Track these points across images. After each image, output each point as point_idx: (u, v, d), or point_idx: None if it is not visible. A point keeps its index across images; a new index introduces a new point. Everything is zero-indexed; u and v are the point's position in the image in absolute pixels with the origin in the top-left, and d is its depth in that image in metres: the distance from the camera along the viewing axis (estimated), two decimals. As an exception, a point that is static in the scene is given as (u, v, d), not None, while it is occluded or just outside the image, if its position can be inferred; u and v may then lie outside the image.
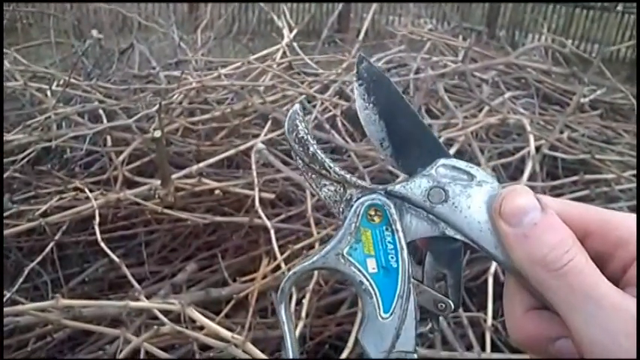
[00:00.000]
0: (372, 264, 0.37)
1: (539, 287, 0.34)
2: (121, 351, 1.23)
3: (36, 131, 1.89)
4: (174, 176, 1.66)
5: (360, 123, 0.39)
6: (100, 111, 2.02)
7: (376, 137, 0.39)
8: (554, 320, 0.35)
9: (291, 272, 0.38)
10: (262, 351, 1.20)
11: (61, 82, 2.17)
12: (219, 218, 1.68)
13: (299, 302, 1.33)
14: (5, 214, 1.58)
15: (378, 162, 1.76)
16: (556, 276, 0.33)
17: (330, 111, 2.03)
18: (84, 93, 2.12)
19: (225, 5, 4.24)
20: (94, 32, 2.56)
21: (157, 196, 1.61)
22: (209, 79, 2.19)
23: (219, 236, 1.78)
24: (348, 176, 0.38)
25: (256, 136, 1.86)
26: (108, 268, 1.72)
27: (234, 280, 1.54)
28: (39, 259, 1.48)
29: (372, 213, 0.37)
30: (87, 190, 1.60)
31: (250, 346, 1.17)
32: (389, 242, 0.37)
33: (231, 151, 1.81)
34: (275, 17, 2.81)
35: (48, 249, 1.50)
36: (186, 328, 1.24)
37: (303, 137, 0.38)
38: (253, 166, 1.65)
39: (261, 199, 1.57)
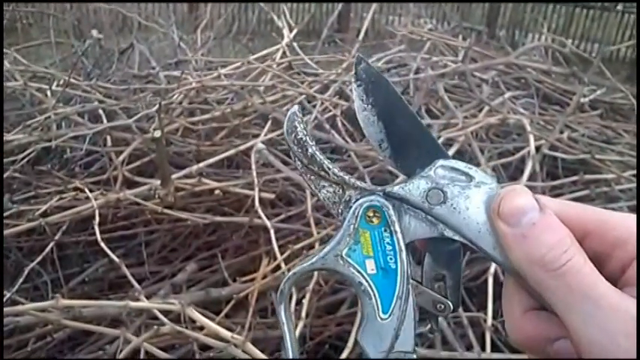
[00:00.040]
0: (370, 265, 0.37)
1: (538, 287, 0.34)
2: (121, 351, 1.23)
3: (36, 131, 1.89)
4: (174, 176, 1.66)
5: (359, 122, 0.39)
6: (100, 111, 2.02)
7: (375, 138, 0.39)
8: (552, 321, 0.35)
9: (290, 273, 0.38)
10: (262, 351, 1.20)
11: (61, 82, 2.17)
12: (219, 218, 1.68)
13: (299, 302, 1.33)
14: (5, 214, 1.58)
15: (378, 162, 1.76)
16: (554, 276, 0.33)
17: (330, 111, 2.03)
18: (84, 93, 2.13)
19: (225, 5, 4.23)
20: (94, 32, 2.56)
21: (156, 196, 1.61)
22: (209, 79, 2.20)
23: (219, 236, 1.78)
24: (346, 177, 0.38)
25: (256, 136, 1.86)
26: (108, 268, 1.72)
27: (234, 280, 1.54)
28: (39, 259, 1.48)
29: (371, 214, 0.37)
30: (87, 190, 1.60)
31: (250, 346, 1.17)
32: (387, 243, 0.37)
33: (231, 151, 1.81)
34: (275, 17, 2.81)
35: (48, 249, 1.50)
36: (186, 328, 1.24)
37: (302, 138, 0.38)
38: (253, 166, 1.65)
39: (261, 199, 1.57)
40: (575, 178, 1.84)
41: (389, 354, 0.36)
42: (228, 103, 2.16)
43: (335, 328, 1.55)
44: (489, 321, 1.35)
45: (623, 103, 2.57)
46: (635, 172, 1.88)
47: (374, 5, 3.01)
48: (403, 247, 0.37)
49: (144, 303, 1.30)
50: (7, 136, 1.82)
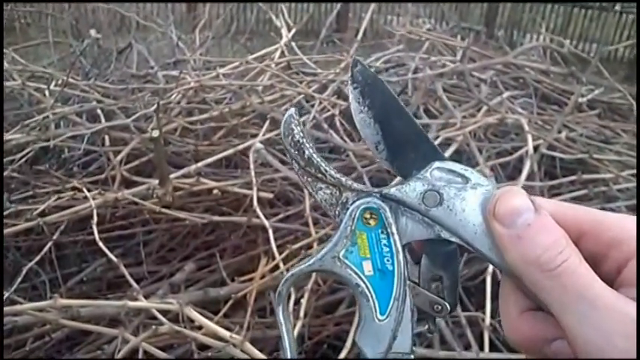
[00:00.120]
0: (368, 267, 0.37)
1: (534, 288, 0.34)
2: (119, 351, 1.23)
3: (34, 131, 1.89)
4: (172, 176, 1.66)
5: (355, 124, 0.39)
6: (98, 111, 2.02)
7: (371, 140, 0.39)
8: (549, 321, 0.35)
9: (288, 275, 0.38)
10: (261, 350, 1.20)
11: (59, 81, 2.17)
12: (217, 218, 1.68)
13: (297, 302, 1.33)
14: (3, 214, 1.58)
15: (377, 162, 1.76)
16: (550, 277, 0.33)
17: (329, 110, 2.03)
18: (82, 93, 2.12)
19: (224, 5, 4.24)
20: (92, 32, 2.56)
21: (155, 195, 1.61)
22: (207, 79, 2.19)
23: (217, 236, 1.78)
24: (343, 179, 0.38)
25: (254, 135, 1.86)
26: (106, 268, 1.72)
27: (233, 280, 1.55)
28: (37, 258, 1.48)
29: (368, 216, 0.37)
30: (85, 190, 1.60)
31: (249, 346, 1.17)
32: (384, 245, 0.37)
33: (230, 151, 1.81)
34: (273, 17, 2.81)
35: (46, 249, 1.50)
36: (185, 327, 1.24)
37: (298, 141, 0.38)
38: (251, 166, 1.65)
39: (259, 199, 1.57)
40: (573, 177, 1.84)
41: (387, 355, 0.36)
42: (227, 102, 2.16)
43: (333, 327, 1.55)
44: (487, 320, 1.35)
45: (622, 103, 2.58)
46: (633, 171, 1.88)
47: (372, 5, 3.01)
48: (400, 249, 0.37)
49: (142, 303, 1.29)
50: (5, 136, 1.82)
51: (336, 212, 0.38)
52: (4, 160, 1.79)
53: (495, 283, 1.37)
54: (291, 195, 1.79)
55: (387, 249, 0.37)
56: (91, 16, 4.17)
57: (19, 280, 1.42)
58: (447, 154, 1.73)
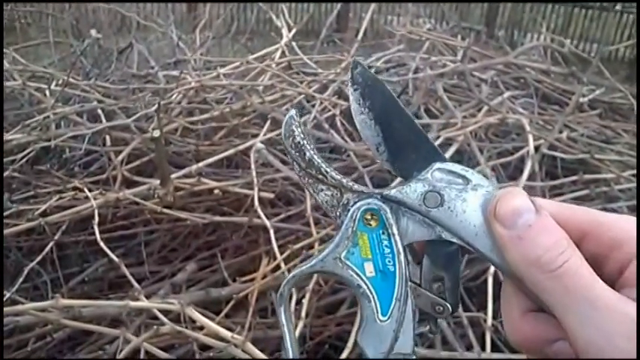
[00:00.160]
0: (369, 268, 0.37)
1: (535, 289, 0.34)
2: (120, 351, 1.23)
3: (35, 131, 1.89)
4: (173, 176, 1.66)
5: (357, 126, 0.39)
6: (99, 111, 2.02)
7: (372, 142, 0.39)
8: (551, 323, 0.35)
9: (289, 276, 0.38)
10: (262, 351, 1.20)
11: (60, 81, 2.17)
12: (218, 218, 1.68)
13: (299, 302, 1.34)
14: (5, 214, 1.58)
15: (377, 162, 1.75)
16: (551, 277, 0.33)
17: (329, 110, 2.03)
18: (83, 93, 2.12)
19: (224, 5, 4.24)
20: (93, 32, 2.56)
21: (156, 195, 1.61)
22: (208, 79, 2.19)
23: (218, 236, 1.78)
24: (344, 181, 0.38)
25: (255, 135, 1.86)
26: (107, 268, 1.72)
27: (234, 280, 1.55)
28: (38, 258, 1.48)
29: (369, 217, 0.38)
30: (86, 190, 1.60)
31: (250, 346, 1.17)
32: (386, 246, 0.37)
33: (231, 151, 1.81)
34: (274, 17, 2.81)
35: (47, 249, 1.50)
36: (186, 328, 1.24)
37: (299, 142, 0.38)
38: (252, 166, 1.65)
39: (260, 199, 1.57)
40: (574, 177, 1.84)
41: (388, 355, 0.37)
42: (227, 102, 2.16)
43: (335, 328, 1.55)
44: (489, 321, 1.35)
45: (622, 103, 2.57)
46: (634, 171, 1.88)
47: (373, 5, 3.01)
48: (401, 250, 0.37)
49: (144, 303, 1.30)
50: (6, 136, 1.82)
51: (337, 213, 0.38)
52: (6, 160, 1.79)
53: (497, 284, 1.37)
54: (292, 195, 1.79)
55: (389, 250, 0.37)
56: (91, 16, 4.17)
57: (21, 280, 1.42)
58: (448, 154, 1.73)
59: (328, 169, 0.38)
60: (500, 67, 2.53)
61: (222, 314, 1.38)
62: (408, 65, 2.44)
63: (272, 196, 1.66)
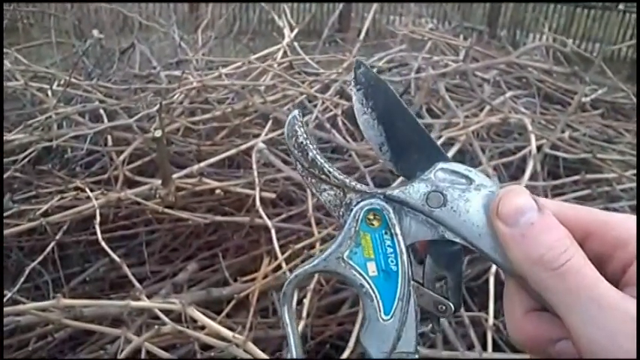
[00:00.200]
0: (372, 267, 0.37)
1: (537, 288, 0.34)
2: (122, 351, 1.23)
3: (37, 131, 1.90)
4: (175, 176, 1.66)
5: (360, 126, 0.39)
6: (101, 111, 2.02)
7: (375, 141, 0.39)
8: (554, 322, 0.35)
9: (292, 275, 0.38)
10: (263, 351, 1.20)
11: (62, 81, 2.17)
12: (220, 218, 1.68)
13: (300, 302, 1.34)
14: (6, 214, 1.58)
15: (379, 162, 1.75)
16: (554, 276, 0.33)
17: (331, 110, 2.03)
18: (85, 93, 2.13)
19: (226, 5, 4.24)
20: (95, 32, 2.56)
21: (157, 195, 1.61)
22: (210, 79, 2.20)
23: (220, 236, 1.78)
24: (347, 181, 0.38)
25: (257, 135, 1.86)
26: (109, 268, 1.72)
27: (235, 280, 1.54)
28: (40, 258, 1.48)
29: (371, 217, 0.37)
30: (88, 190, 1.60)
31: (251, 346, 1.17)
32: (388, 246, 0.37)
33: (232, 151, 1.81)
34: (276, 17, 2.81)
35: (49, 249, 1.51)
36: (188, 327, 1.24)
37: (302, 142, 0.38)
38: (254, 166, 1.65)
39: (262, 199, 1.57)
40: (576, 177, 1.84)
41: (391, 354, 0.37)
42: (229, 102, 2.16)
43: (336, 327, 1.55)
44: (491, 320, 1.35)
45: (625, 103, 2.57)
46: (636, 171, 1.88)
47: (375, 5, 3.01)
48: (404, 250, 0.37)
49: (145, 302, 1.30)
50: (8, 136, 1.82)
51: (340, 213, 0.38)
52: (7, 160, 1.79)
53: (498, 284, 1.37)
54: (293, 195, 1.79)
55: (391, 250, 0.37)
56: (93, 16, 4.17)
57: (22, 280, 1.42)
58: (450, 153, 1.72)
59: (331, 169, 0.38)
60: (502, 67, 2.52)
61: (224, 314, 1.38)
62: (410, 65, 2.44)
63: (273, 196, 1.66)
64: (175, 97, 2.12)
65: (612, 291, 0.32)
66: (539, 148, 1.84)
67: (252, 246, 1.72)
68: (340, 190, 0.38)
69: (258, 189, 1.58)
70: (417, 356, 0.37)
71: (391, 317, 0.37)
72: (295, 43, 2.55)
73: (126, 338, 1.24)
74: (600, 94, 2.56)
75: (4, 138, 1.80)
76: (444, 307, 0.38)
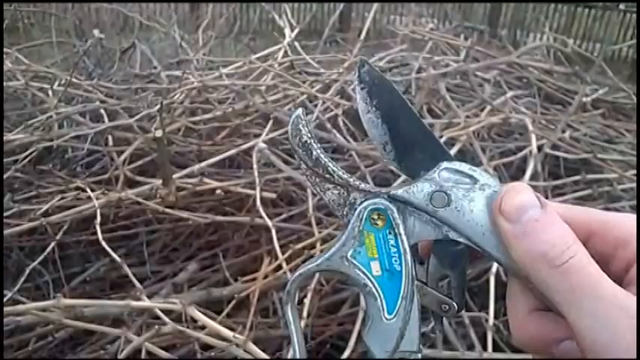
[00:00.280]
0: (375, 267, 0.37)
1: (540, 285, 0.34)
2: (122, 351, 1.23)
3: (37, 131, 1.90)
4: (175, 176, 1.66)
5: (362, 124, 0.39)
6: (102, 111, 2.02)
7: (379, 141, 0.39)
8: (557, 322, 0.35)
9: (296, 274, 0.38)
10: (264, 351, 1.20)
11: (63, 81, 2.17)
12: (220, 218, 1.68)
13: (300, 302, 1.33)
14: (6, 214, 1.58)
15: (380, 162, 1.75)
16: (556, 273, 0.33)
17: (332, 110, 2.03)
18: (85, 93, 2.13)
19: (227, 5, 4.24)
20: (96, 32, 2.56)
21: (158, 195, 1.61)
22: (210, 79, 2.20)
23: (220, 236, 1.78)
24: (351, 180, 0.38)
25: (258, 135, 1.86)
26: (109, 268, 1.72)
27: (236, 280, 1.54)
28: (40, 258, 1.48)
29: (375, 217, 0.37)
30: (88, 190, 1.60)
31: (252, 346, 1.17)
32: (392, 245, 0.37)
33: (233, 151, 1.81)
34: (276, 17, 2.81)
35: (49, 248, 1.51)
36: (188, 327, 1.24)
37: (306, 142, 0.38)
38: (255, 166, 1.65)
39: (262, 199, 1.57)
40: (577, 177, 1.84)
41: (394, 354, 0.37)
42: (230, 102, 2.16)
43: (336, 327, 1.55)
44: (491, 321, 1.35)
45: (625, 103, 2.57)
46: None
47: (375, 5, 3.01)
48: (407, 249, 0.37)
49: (145, 302, 1.30)
50: (8, 136, 1.82)
51: (344, 212, 0.38)
52: (8, 160, 1.80)
53: (499, 284, 1.37)
54: (294, 195, 1.79)
55: (395, 249, 0.37)
56: (94, 16, 4.17)
57: (23, 279, 1.42)
58: (451, 153, 1.72)
59: (335, 168, 0.38)
60: (503, 67, 2.52)
61: (224, 314, 1.38)
62: (410, 65, 2.43)
63: (274, 196, 1.66)
64: (176, 97, 2.12)
65: (616, 289, 0.32)
66: (539, 148, 1.83)
67: (252, 246, 1.72)
68: (344, 190, 0.38)
69: (258, 189, 1.58)
70: (419, 356, 0.37)
71: (394, 316, 0.37)
72: (296, 43, 2.55)
73: (126, 338, 1.24)
74: (601, 94, 2.55)
75: (5, 138, 1.80)
76: (447, 307, 0.38)
